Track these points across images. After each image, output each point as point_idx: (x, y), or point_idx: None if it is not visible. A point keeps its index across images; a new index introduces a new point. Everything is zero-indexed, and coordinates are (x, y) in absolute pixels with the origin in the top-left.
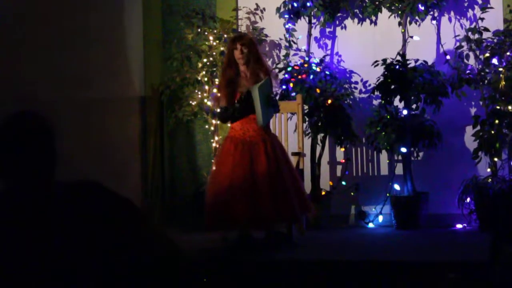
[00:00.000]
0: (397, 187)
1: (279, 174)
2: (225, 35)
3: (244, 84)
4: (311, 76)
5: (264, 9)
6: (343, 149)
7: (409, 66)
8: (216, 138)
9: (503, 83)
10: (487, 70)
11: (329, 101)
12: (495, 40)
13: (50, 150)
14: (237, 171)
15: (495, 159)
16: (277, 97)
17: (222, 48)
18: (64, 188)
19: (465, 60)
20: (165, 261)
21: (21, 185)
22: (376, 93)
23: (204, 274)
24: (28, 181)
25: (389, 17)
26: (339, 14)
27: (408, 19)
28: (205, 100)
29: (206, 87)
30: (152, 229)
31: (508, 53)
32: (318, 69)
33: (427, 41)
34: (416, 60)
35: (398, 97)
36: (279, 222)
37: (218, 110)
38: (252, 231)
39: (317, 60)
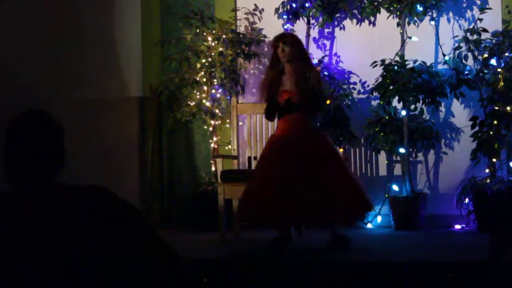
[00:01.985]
0: (395, 187)
1: (321, 174)
2: (224, 36)
3: (288, 83)
4: None
5: (262, 9)
6: (341, 150)
7: (407, 66)
8: (215, 138)
9: (502, 83)
10: (485, 71)
11: (328, 102)
12: (493, 41)
13: (59, 150)
14: (273, 169)
15: (494, 159)
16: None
17: (220, 49)
18: (71, 192)
19: (464, 61)
20: (166, 269)
21: (29, 186)
22: (375, 93)
23: (204, 274)
24: (35, 182)
25: (387, 18)
26: (337, 15)
27: (407, 19)
28: (204, 101)
29: (205, 88)
30: (157, 238)
31: (506, 54)
32: None
33: (426, 41)
34: (415, 61)
35: (396, 97)
36: (323, 221)
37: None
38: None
39: (315, 61)
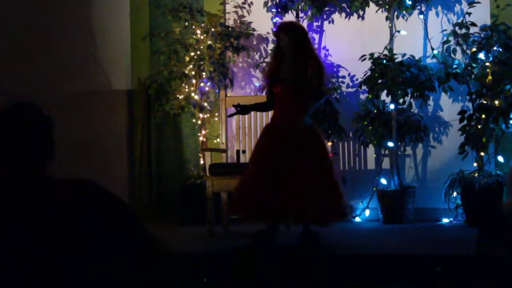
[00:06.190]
0: (383, 181)
1: (307, 172)
2: (213, 29)
3: (285, 73)
4: None
5: (251, 3)
6: (330, 143)
7: (396, 60)
8: (203, 132)
9: (490, 78)
10: (474, 65)
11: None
12: (482, 35)
13: (49, 143)
14: (261, 161)
15: (482, 153)
16: (264, 92)
17: (209, 42)
18: (59, 185)
19: (452, 55)
20: (154, 262)
21: (17, 180)
22: (363, 87)
23: (192, 268)
24: (25, 176)
25: (376, 12)
26: (326, 8)
27: (396, 13)
28: (192, 94)
29: (193, 81)
30: (145, 231)
31: (495, 48)
32: None
33: (414, 35)
34: (403, 55)
35: (385, 91)
36: (302, 218)
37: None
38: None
39: None
